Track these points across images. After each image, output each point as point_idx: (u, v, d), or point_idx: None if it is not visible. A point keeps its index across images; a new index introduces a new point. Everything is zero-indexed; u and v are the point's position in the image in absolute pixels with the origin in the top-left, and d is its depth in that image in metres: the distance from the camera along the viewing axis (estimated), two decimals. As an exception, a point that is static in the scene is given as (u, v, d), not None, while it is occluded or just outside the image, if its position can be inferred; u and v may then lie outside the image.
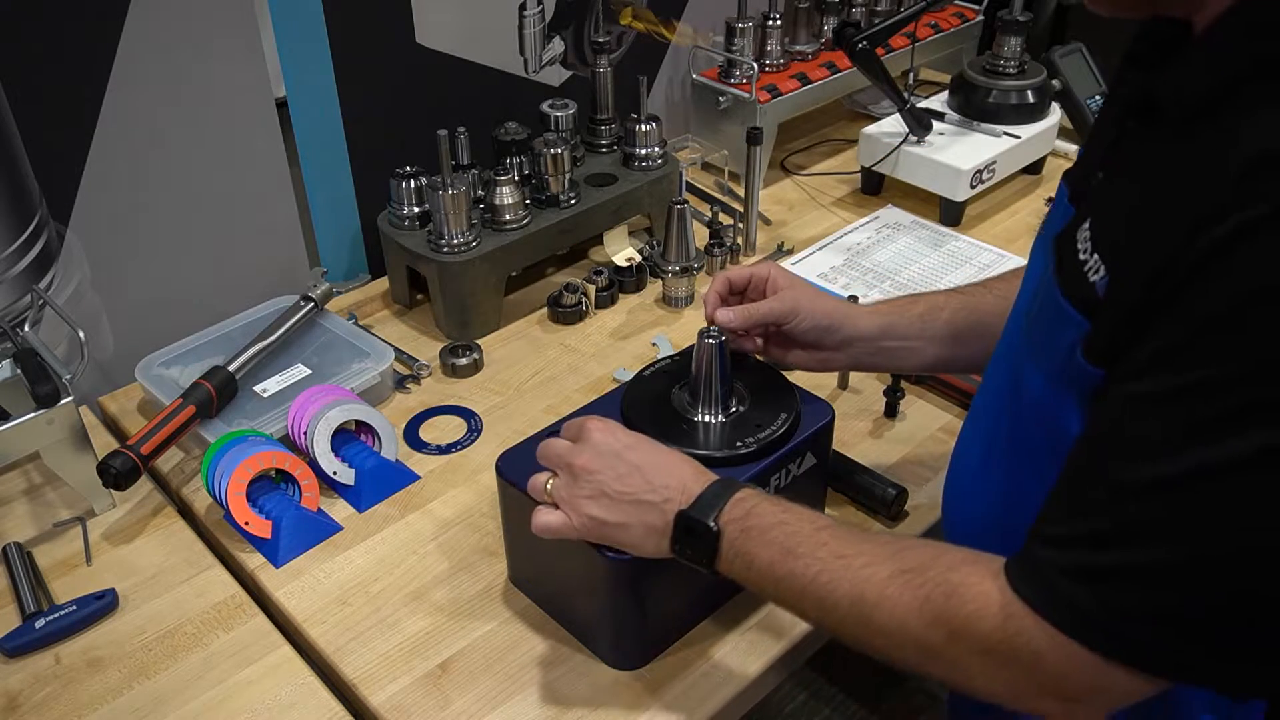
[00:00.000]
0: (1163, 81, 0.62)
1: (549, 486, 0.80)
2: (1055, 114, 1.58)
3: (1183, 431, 0.54)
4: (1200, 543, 0.55)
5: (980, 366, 0.88)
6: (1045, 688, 0.62)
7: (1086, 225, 0.66)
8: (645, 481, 0.77)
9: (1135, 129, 0.67)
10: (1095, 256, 0.63)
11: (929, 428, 1.12)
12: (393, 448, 1.08)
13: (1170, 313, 0.55)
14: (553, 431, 0.90)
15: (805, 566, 0.71)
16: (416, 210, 1.26)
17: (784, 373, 0.96)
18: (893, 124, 1.53)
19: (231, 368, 1.11)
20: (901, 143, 1.49)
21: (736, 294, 0.96)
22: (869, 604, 0.68)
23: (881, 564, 0.69)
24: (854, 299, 1.13)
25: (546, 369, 1.23)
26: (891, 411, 1.13)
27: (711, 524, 0.75)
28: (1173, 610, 0.56)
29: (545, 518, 0.79)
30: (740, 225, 1.44)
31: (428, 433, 1.14)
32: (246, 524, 0.97)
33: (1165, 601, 0.56)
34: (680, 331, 1.29)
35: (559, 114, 1.36)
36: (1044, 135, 1.56)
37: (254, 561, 0.98)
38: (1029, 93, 1.54)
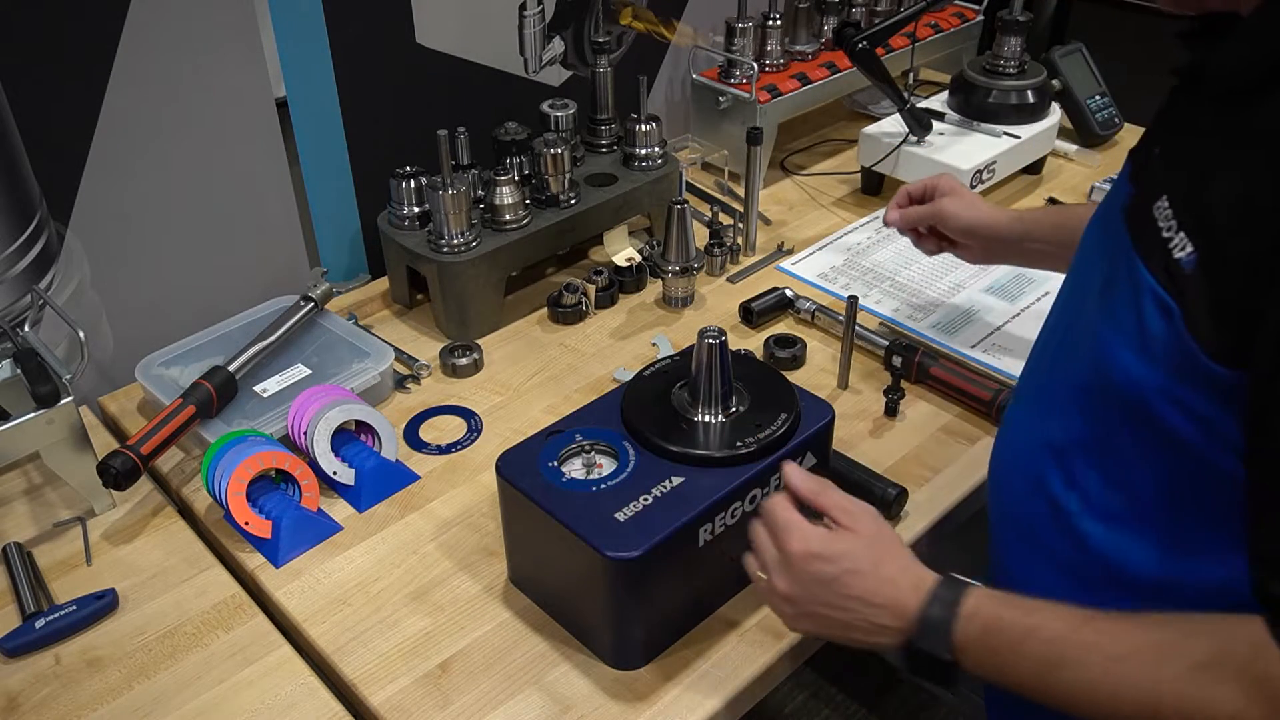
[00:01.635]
0: (1216, 58, 0.64)
1: (761, 577, 0.79)
2: (1055, 114, 1.58)
3: None
4: None
5: None
6: None
7: (1164, 201, 0.66)
8: (853, 613, 0.74)
9: (1191, 105, 0.68)
10: (1181, 234, 0.63)
11: (929, 428, 1.12)
12: (393, 448, 1.08)
13: None
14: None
15: (1077, 677, 0.65)
16: (416, 210, 1.26)
17: (783, 373, 0.96)
18: (893, 124, 1.53)
19: (231, 368, 1.11)
20: (901, 143, 1.49)
21: (915, 200, 1.18)
22: (1167, 711, 0.62)
23: (1168, 662, 0.62)
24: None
25: (546, 369, 1.23)
26: (892, 411, 1.13)
27: (946, 656, 0.70)
28: None
29: (776, 608, 0.79)
30: (740, 225, 1.44)
31: (428, 433, 1.14)
32: (246, 524, 0.97)
33: None
34: (680, 331, 1.29)
35: (559, 114, 1.36)
36: (1044, 135, 1.56)
37: (254, 561, 0.98)
38: (1029, 93, 1.54)
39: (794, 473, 0.81)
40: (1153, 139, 0.73)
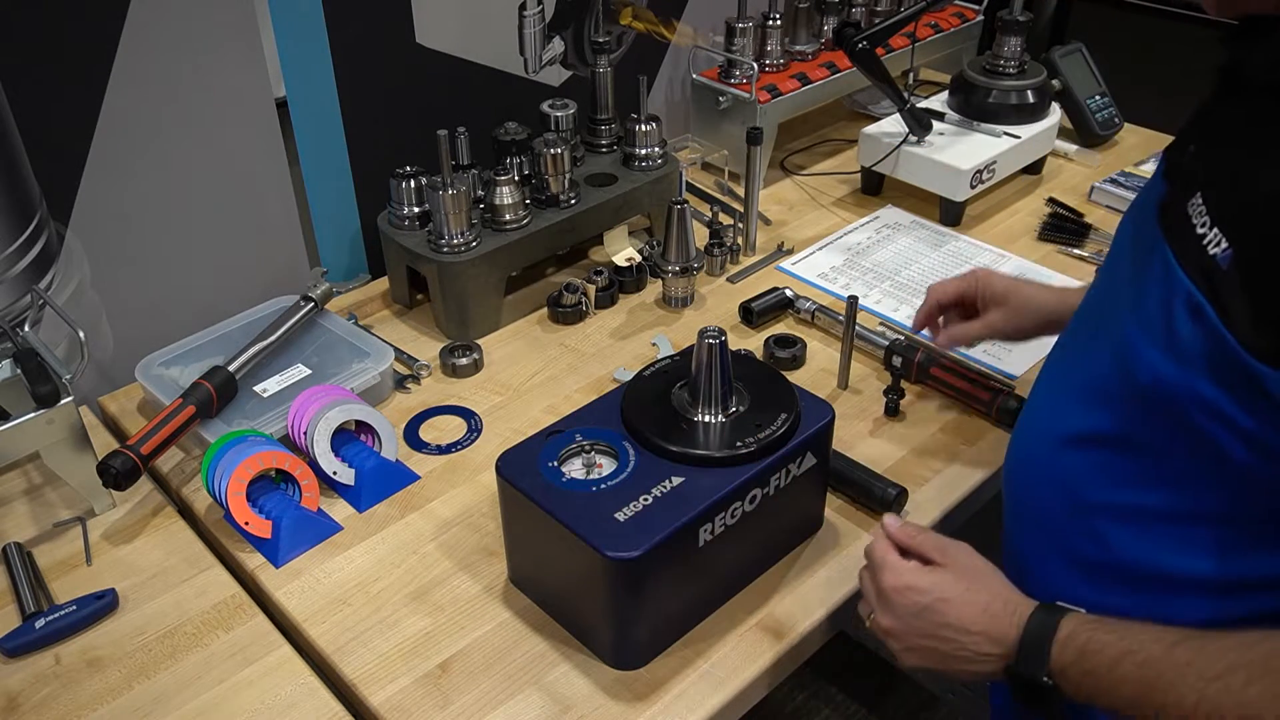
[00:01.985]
0: (1255, 57, 0.64)
1: (867, 617, 0.84)
2: (1055, 114, 1.57)
3: None
4: None
5: None
6: None
7: (1199, 198, 0.65)
8: (951, 641, 0.76)
9: (1229, 104, 0.68)
10: (1215, 230, 0.63)
11: (929, 428, 1.12)
12: (393, 448, 1.08)
13: None
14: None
15: (1178, 699, 0.65)
16: (416, 210, 1.26)
17: (783, 373, 0.96)
18: (893, 124, 1.53)
19: (231, 368, 1.11)
20: (901, 143, 1.49)
21: (947, 307, 1.09)
22: None
23: (1267, 680, 0.63)
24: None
25: (546, 369, 1.23)
26: (892, 411, 1.13)
27: (1045, 680, 0.71)
28: None
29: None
30: (740, 225, 1.44)
31: (428, 433, 1.14)
32: (246, 524, 0.97)
33: None
34: (680, 331, 1.29)
35: (559, 114, 1.36)
36: (1044, 135, 1.56)
37: (254, 561, 0.98)
38: (1029, 93, 1.54)
39: (891, 522, 0.84)
40: (1188, 136, 0.72)
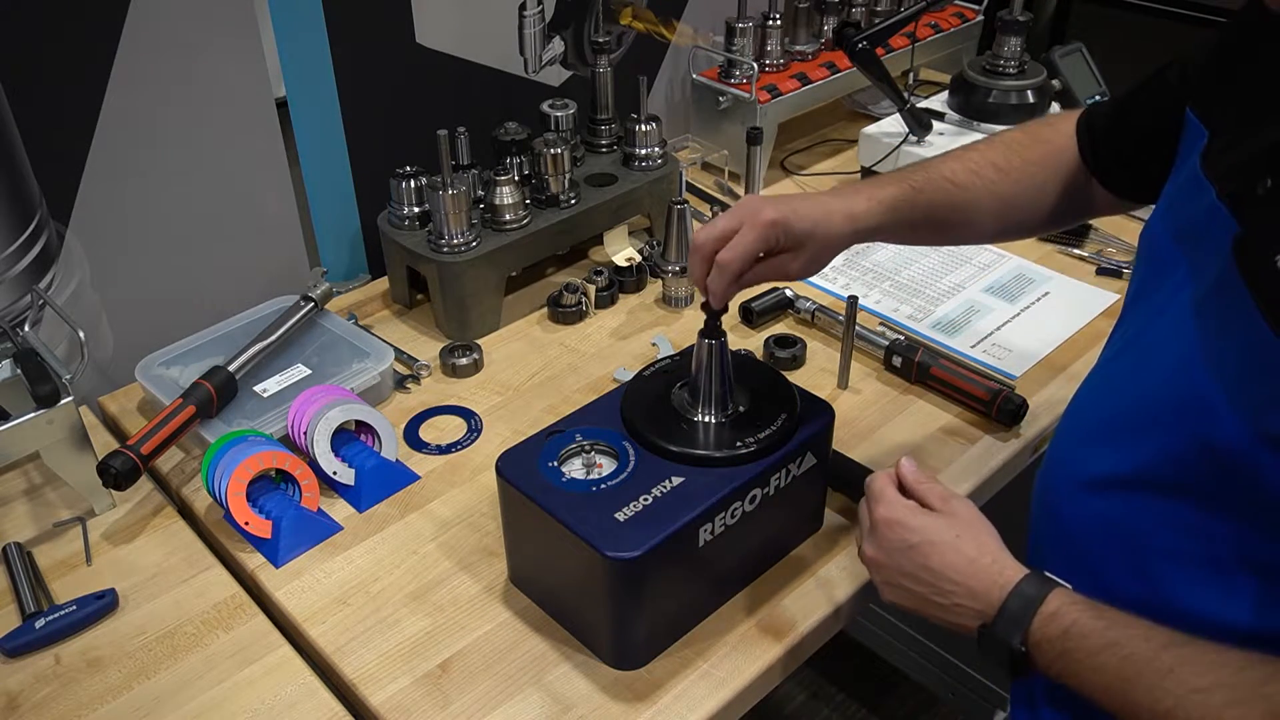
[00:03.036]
0: None
1: (860, 544, 0.84)
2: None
3: None
4: None
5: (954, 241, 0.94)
6: None
7: None
8: (930, 586, 0.76)
9: None
10: None
11: (929, 428, 1.12)
12: (393, 448, 1.08)
13: None
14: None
15: (1153, 701, 0.64)
16: (416, 210, 1.26)
17: (783, 373, 0.96)
18: (893, 124, 1.53)
19: (231, 368, 1.11)
20: (901, 143, 1.49)
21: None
22: None
23: (1249, 705, 0.61)
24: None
25: (546, 369, 1.23)
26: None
27: (1017, 645, 0.70)
28: None
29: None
30: (740, 225, 1.43)
31: (428, 433, 1.14)
32: (246, 524, 0.97)
33: None
34: (680, 331, 1.29)
35: (559, 114, 1.36)
36: (1044, 135, 1.56)
37: (254, 561, 0.98)
38: (1029, 93, 1.54)
39: (907, 463, 0.85)
40: (1259, 167, 0.67)
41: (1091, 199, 0.97)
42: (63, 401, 0.97)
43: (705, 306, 0.88)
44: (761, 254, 0.86)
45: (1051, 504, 0.84)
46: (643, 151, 1.39)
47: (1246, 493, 0.65)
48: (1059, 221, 1.00)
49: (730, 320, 1.30)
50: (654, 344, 1.27)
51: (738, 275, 0.85)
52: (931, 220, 0.93)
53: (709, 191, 1.61)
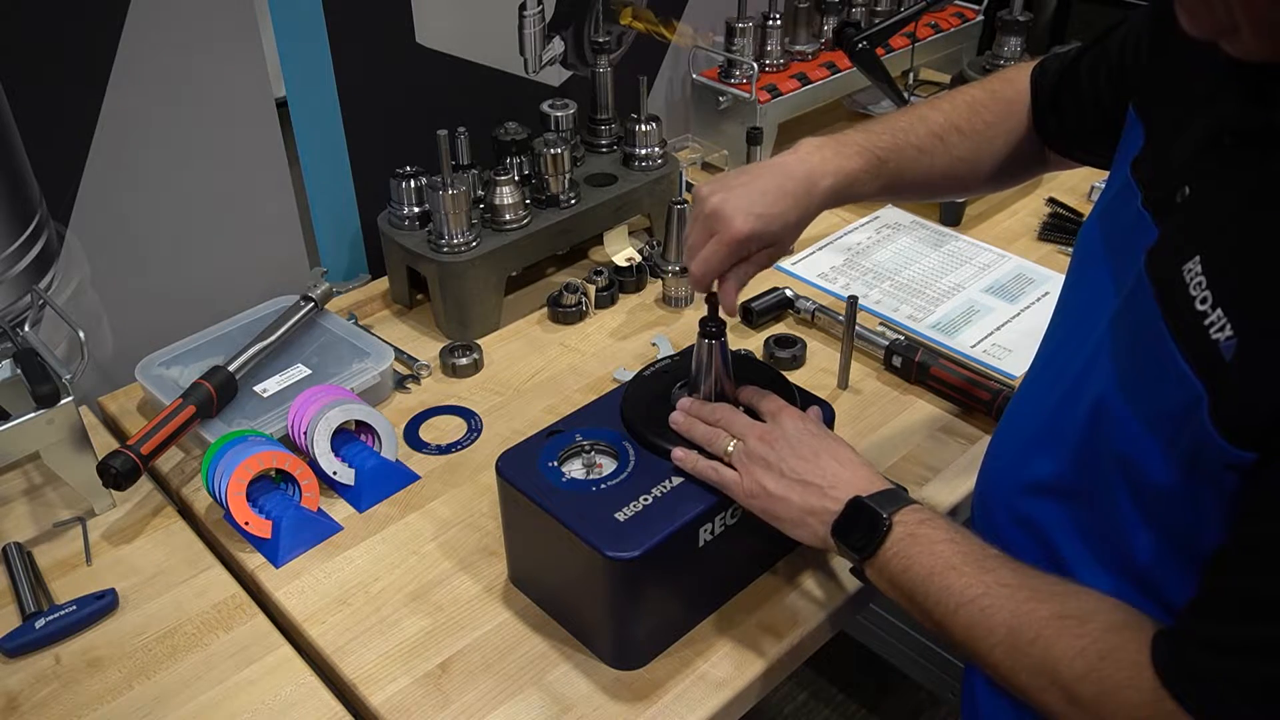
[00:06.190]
0: None
1: (730, 448, 0.84)
2: (1055, 114, 1.57)
3: None
4: None
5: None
6: None
7: (1197, 263, 0.59)
8: (819, 468, 0.81)
9: (1237, 157, 0.61)
10: (1218, 311, 0.57)
11: (929, 428, 1.12)
12: (393, 448, 1.08)
13: None
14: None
15: (966, 585, 0.70)
16: (416, 210, 1.26)
17: (783, 373, 0.96)
18: (893, 124, 1.52)
19: (231, 368, 1.11)
20: (901, 143, 1.49)
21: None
22: (1025, 639, 0.66)
23: (1044, 602, 0.67)
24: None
25: (546, 369, 1.23)
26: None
27: (885, 515, 0.76)
28: None
29: (725, 474, 0.83)
30: (740, 225, 1.43)
31: (428, 433, 1.14)
32: (246, 524, 0.97)
33: None
34: (680, 331, 1.29)
35: (559, 114, 1.36)
36: (1044, 135, 1.56)
37: (254, 561, 0.98)
38: (1029, 93, 1.54)
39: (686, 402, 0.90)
40: (1183, 175, 0.65)
41: (1045, 157, 0.97)
42: (63, 401, 0.97)
43: (709, 298, 0.89)
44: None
45: (990, 506, 0.85)
46: (643, 151, 1.39)
47: (1153, 503, 0.66)
48: (1012, 180, 1.01)
49: (730, 320, 1.30)
50: (654, 344, 1.27)
51: (708, 288, 0.88)
52: (891, 187, 0.93)
53: (709, 191, 1.61)
